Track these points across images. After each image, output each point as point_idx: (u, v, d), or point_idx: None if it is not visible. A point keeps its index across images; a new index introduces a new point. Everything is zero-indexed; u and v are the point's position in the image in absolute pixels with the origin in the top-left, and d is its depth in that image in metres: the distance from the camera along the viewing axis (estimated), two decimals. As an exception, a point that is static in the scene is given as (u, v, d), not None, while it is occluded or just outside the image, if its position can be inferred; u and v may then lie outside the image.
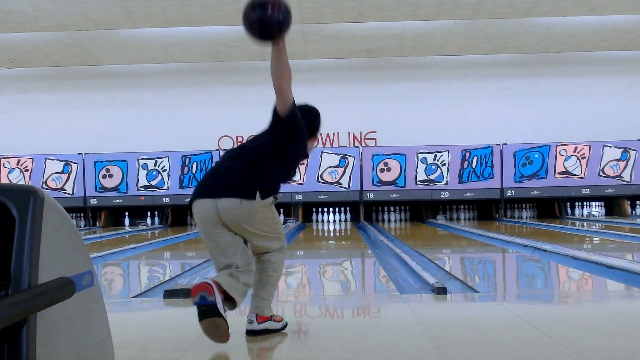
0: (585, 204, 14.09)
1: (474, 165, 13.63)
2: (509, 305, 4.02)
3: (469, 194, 13.64)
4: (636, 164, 13.59)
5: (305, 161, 3.52)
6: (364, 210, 13.83)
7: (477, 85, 14.63)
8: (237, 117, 13.99)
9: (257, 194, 2.90)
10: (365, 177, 13.74)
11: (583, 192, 13.61)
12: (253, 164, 3.00)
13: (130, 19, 10.76)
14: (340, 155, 13.74)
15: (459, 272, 5.81)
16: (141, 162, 13.97)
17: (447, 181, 13.65)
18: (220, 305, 2.69)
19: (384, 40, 12.44)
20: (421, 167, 13.69)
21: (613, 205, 14.09)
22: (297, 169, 3.31)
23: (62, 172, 14.00)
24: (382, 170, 13.73)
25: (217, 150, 13.92)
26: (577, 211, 14.06)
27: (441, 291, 4.07)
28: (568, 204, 14.05)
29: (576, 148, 13.65)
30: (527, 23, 11.68)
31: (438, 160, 13.69)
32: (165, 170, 13.93)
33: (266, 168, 3.00)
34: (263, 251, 3.04)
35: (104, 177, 13.94)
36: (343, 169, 13.73)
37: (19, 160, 14.11)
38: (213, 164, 3.47)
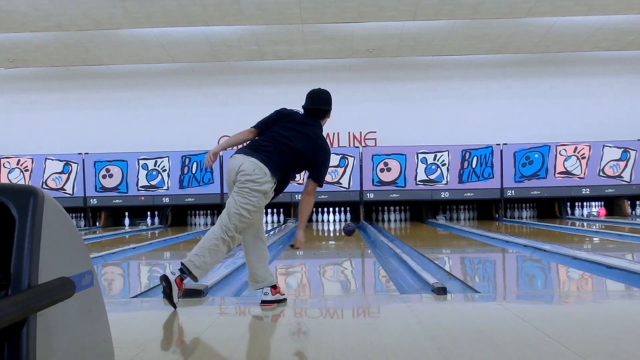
0: (585, 204, 14.10)
1: (474, 165, 13.63)
2: (509, 305, 4.02)
3: (469, 194, 13.64)
4: (636, 164, 13.59)
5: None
6: (364, 210, 13.83)
7: (477, 85, 14.63)
8: (237, 117, 13.95)
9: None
10: (365, 177, 13.74)
11: (583, 192, 13.61)
12: None
13: (130, 19, 10.76)
14: (340, 155, 13.73)
15: (459, 272, 5.80)
16: (141, 162, 13.97)
17: (447, 181, 13.65)
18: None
19: (384, 40, 12.44)
20: (421, 167, 13.69)
21: (613, 205, 14.09)
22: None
23: (62, 172, 14.00)
24: (382, 170, 13.73)
25: (217, 150, 13.92)
26: (577, 211, 14.06)
27: (441, 291, 4.06)
28: (568, 204, 14.05)
29: (576, 148, 13.65)
30: (527, 23, 11.67)
31: (438, 160, 13.69)
32: (165, 170, 13.93)
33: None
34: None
35: (104, 177, 13.94)
36: (343, 169, 13.73)
37: (19, 160, 14.11)
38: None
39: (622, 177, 13.59)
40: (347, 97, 14.56)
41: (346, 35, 12.07)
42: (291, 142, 3.80)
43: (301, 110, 4.06)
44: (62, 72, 14.15)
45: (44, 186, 13.68)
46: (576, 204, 14.10)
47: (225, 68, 14.13)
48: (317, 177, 3.93)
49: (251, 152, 3.73)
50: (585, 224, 12.11)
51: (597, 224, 11.55)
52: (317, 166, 3.90)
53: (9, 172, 14.02)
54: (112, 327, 1.93)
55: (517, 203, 14.13)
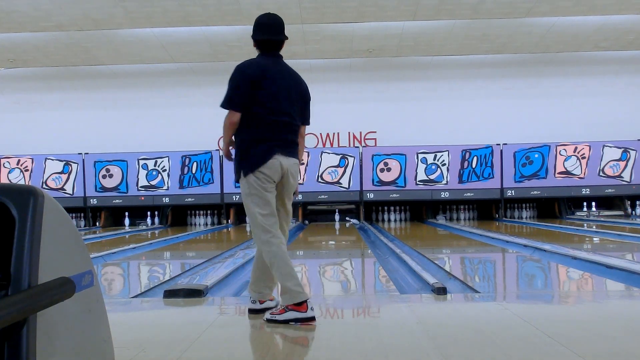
0: (585, 204, 14.08)
1: (474, 165, 13.63)
2: (509, 305, 4.02)
3: (469, 194, 13.64)
4: (636, 164, 13.58)
5: None
6: (364, 210, 13.83)
7: (477, 85, 14.63)
8: (237, 117, 13.95)
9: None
10: (365, 177, 13.74)
11: (583, 192, 13.61)
12: None
13: (130, 19, 10.77)
14: (340, 155, 13.74)
15: (459, 272, 5.81)
16: (141, 162, 13.97)
17: (447, 181, 13.65)
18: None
19: (384, 40, 12.44)
20: (421, 167, 13.69)
21: (613, 205, 14.09)
22: None
23: (62, 172, 14.00)
24: (382, 170, 13.73)
25: (217, 150, 13.90)
26: (577, 211, 14.05)
27: (441, 291, 4.06)
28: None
29: (576, 148, 13.65)
30: (527, 23, 11.67)
31: (438, 160, 13.69)
32: (165, 170, 13.93)
33: None
34: None
35: (104, 177, 13.94)
36: (343, 169, 13.73)
37: (19, 160, 14.10)
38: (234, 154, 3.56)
39: (622, 177, 13.59)
40: (347, 97, 14.56)
41: (346, 35, 12.07)
42: (295, 114, 3.50)
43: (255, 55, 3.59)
44: (62, 72, 14.15)
45: (44, 186, 13.68)
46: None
47: (225, 68, 14.07)
48: (308, 119, 3.67)
49: (289, 151, 3.43)
50: (585, 224, 12.11)
51: (597, 224, 11.55)
52: (308, 110, 3.68)
53: (9, 172, 14.02)
54: (112, 327, 1.93)
55: (517, 203, 14.13)
